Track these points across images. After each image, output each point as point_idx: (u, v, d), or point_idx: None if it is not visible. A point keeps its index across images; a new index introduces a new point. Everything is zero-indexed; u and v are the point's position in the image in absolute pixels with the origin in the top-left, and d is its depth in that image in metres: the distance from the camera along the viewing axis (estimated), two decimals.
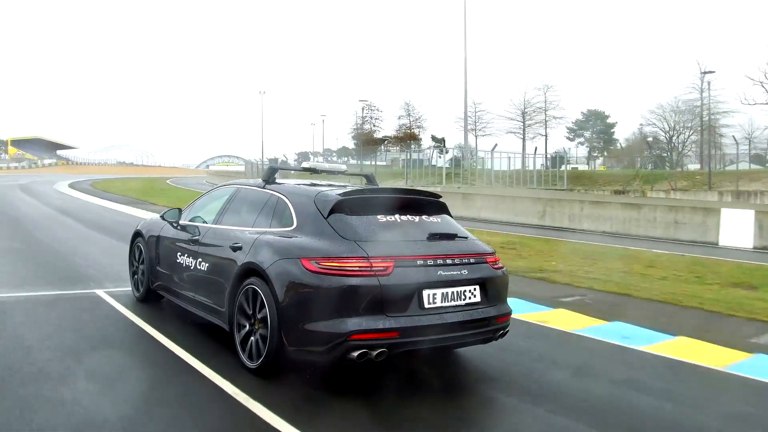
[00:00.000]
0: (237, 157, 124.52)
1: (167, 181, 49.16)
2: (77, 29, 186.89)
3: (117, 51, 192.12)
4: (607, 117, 63.33)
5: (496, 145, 35.01)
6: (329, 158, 79.38)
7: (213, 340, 4.65)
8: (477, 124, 54.48)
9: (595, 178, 36.71)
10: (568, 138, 62.10)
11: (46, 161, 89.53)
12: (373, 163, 59.52)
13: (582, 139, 63.85)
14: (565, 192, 29.26)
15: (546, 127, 54.31)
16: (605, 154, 62.75)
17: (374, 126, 64.21)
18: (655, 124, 50.42)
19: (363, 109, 61.90)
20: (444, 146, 45.80)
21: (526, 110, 53.22)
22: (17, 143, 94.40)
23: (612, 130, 63.87)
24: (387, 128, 65.63)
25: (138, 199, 23.46)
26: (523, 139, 52.81)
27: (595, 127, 63.59)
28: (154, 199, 23.14)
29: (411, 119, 61.07)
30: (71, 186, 33.91)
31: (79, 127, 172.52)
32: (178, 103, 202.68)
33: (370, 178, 5.27)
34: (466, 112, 35.88)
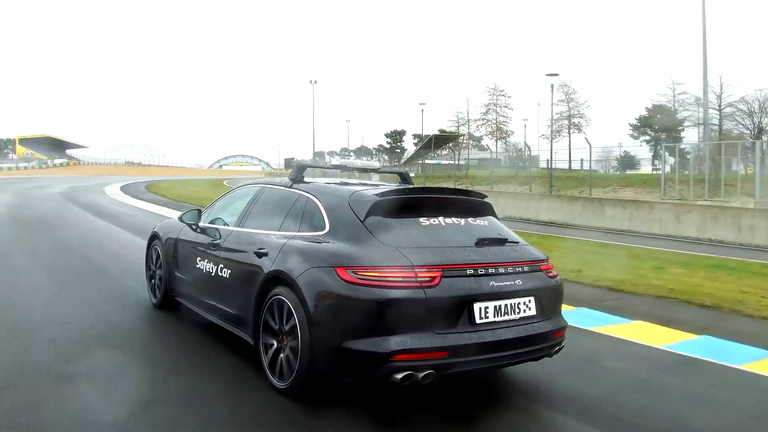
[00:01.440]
0: (251, 157, 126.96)
1: (224, 183, 48.85)
2: (85, 25, 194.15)
3: (125, 49, 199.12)
4: (675, 113, 61.18)
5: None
6: (346, 157, 78.24)
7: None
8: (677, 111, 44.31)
9: None
10: (632, 136, 59.99)
11: (57, 161, 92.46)
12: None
13: (648, 137, 61.70)
14: None
15: None
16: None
17: (501, 115, 55.01)
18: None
19: (491, 93, 53.61)
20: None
21: (722, 93, 42.75)
22: (25, 142, 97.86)
23: (680, 128, 61.59)
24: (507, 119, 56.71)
25: None
26: (720, 131, 42.34)
27: (660, 123, 61.03)
28: None
29: (570, 105, 50.35)
30: (128, 193, 29.01)
31: (88, 126, 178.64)
32: (189, 102, 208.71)
33: (404, 177, 5.23)
34: (706, 97, 27.65)
